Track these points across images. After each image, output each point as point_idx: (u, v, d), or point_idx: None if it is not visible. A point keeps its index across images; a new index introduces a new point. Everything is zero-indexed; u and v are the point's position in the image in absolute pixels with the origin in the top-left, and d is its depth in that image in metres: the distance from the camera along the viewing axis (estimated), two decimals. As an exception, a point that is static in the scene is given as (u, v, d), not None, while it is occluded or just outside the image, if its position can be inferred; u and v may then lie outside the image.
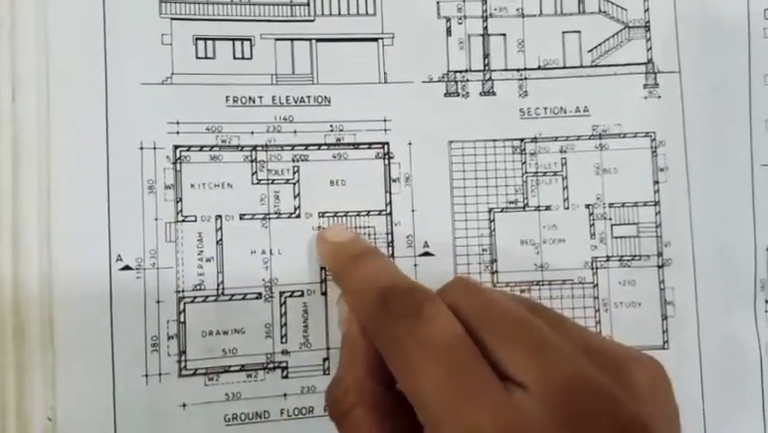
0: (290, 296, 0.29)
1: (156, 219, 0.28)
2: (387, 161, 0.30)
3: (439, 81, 0.31)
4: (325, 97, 0.30)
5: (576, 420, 0.18)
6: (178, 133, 0.29)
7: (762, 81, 0.32)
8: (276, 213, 0.29)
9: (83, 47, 0.28)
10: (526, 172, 0.31)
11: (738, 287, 0.31)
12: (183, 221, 0.29)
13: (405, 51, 0.31)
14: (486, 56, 0.31)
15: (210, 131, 0.29)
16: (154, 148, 0.29)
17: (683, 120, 0.31)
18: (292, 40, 0.30)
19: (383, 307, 0.22)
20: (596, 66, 0.32)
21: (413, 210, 0.30)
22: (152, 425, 0.28)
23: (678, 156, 0.31)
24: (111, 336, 0.28)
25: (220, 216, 0.29)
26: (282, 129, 0.30)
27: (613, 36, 0.32)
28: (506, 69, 0.31)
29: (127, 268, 0.28)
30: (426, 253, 0.30)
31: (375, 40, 0.31)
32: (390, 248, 0.30)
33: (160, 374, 0.28)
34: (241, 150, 0.29)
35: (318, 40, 0.30)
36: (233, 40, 0.30)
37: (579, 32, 0.32)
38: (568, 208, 0.31)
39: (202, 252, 0.29)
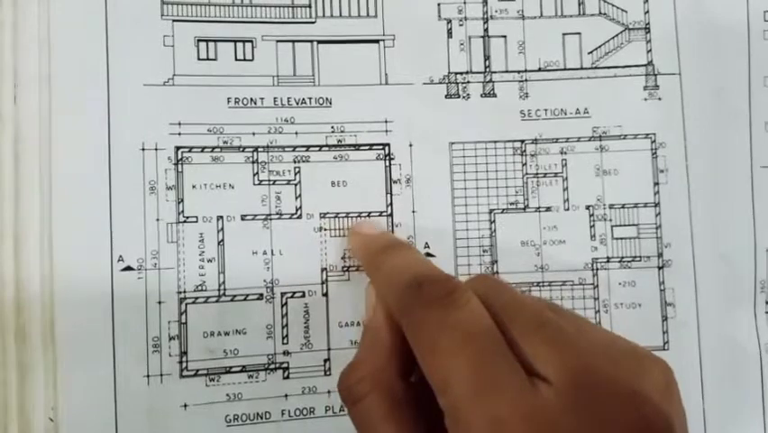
0: (291, 297, 0.29)
1: (157, 220, 0.29)
2: (388, 163, 0.30)
3: (440, 83, 0.31)
4: (327, 99, 0.30)
5: (599, 414, 0.19)
6: (179, 134, 0.29)
7: (761, 83, 0.32)
8: (277, 214, 0.30)
9: (85, 48, 0.28)
10: (527, 173, 0.31)
11: (738, 288, 0.31)
12: (184, 222, 0.29)
13: (406, 53, 0.31)
14: (486, 57, 0.31)
15: (212, 132, 0.29)
16: (156, 149, 0.29)
17: (683, 122, 0.31)
18: (293, 41, 0.30)
19: (415, 290, 0.22)
20: (596, 68, 0.32)
21: (413, 211, 0.30)
22: (153, 425, 0.28)
23: (678, 158, 0.31)
24: (112, 336, 0.28)
25: (221, 217, 0.29)
26: (283, 130, 0.30)
27: (613, 38, 0.32)
28: (506, 71, 0.31)
29: (129, 268, 0.28)
30: (427, 254, 0.30)
31: (376, 41, 0.31)
32: (391, 249, 0.30)
33: (161, 375, 0.28)
34: (242, 151, 0.29)
35: (319, 41, 0.30)
36: (235, 41, 0.30)
37: (579, 33, 0.32)
38: (568, 210, 0.31)
39: (203, 252, 0.29)
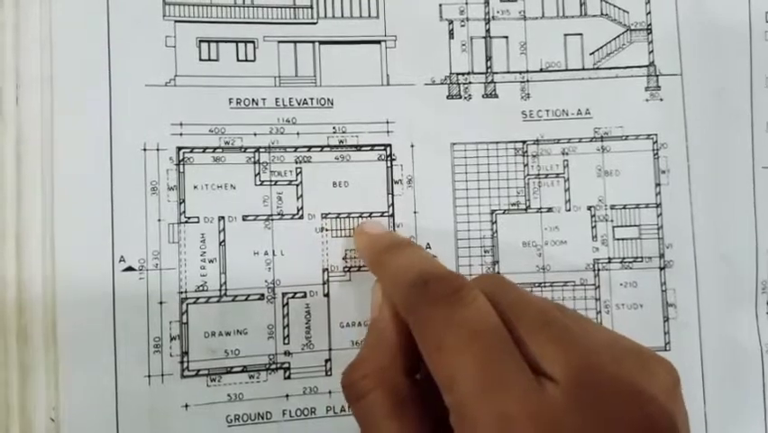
0: (293, 297, 0.29)
1: (159, 220, 0.29)
2: (389, 163, 0.30)
3: (441, 83, 0.31)
4: (328, 99, 0.30)
5: (604, 413, 0.19)
6: (181, 134, 0.29)
7: (763, 83, 0.32)
8: (279, 214, 0.30)
9: (87, 49, 0.28)
10: (528, 174, 0.31)
11: (740, 288, 0.31)
12: (186, 222, 0.29)
13: (407, 54, 0.31)
14: (488, 58, 0.31)
15: (213, 132, 0.29)
16: (157, 149, 0.29)
17: (685, 122, 0.31)
18: (295, 42, 0.30)
19: (421, 288, 0.22)
20: (598, 68, 0.32)
21: (415, 212, 0.30)
22: (155, 425, 0.28)
23: (680, 158, 0.31)
24: (114, 336, 0.28)
25: (223, 218, 0.29)
26: (285, 131, 0.30)
27: (615, 39, 0.32)
28: (508, 72, 0.31)
29: (130, 269, 0.28)
30: (428, 255, 0.30)
31: (378, 42, 0.31)
32: (393, 250, 0.30)
33: (162, 375, 0.28)
34: (244, 151, 0.29)
35: (321, 42, 0.30)
36: (237, 42, 0.30)
37: (581, 34, 0.32)
38: (570, 210, 0.31)
39: (205, 253, 0.29)
